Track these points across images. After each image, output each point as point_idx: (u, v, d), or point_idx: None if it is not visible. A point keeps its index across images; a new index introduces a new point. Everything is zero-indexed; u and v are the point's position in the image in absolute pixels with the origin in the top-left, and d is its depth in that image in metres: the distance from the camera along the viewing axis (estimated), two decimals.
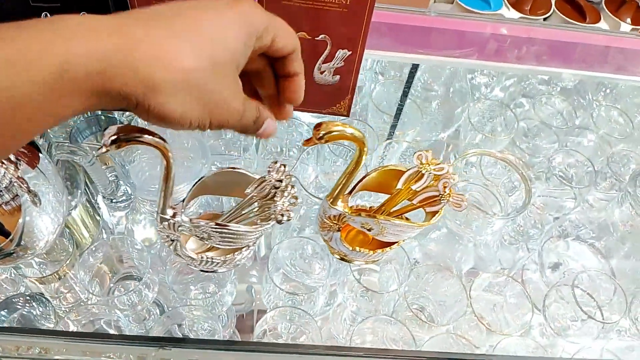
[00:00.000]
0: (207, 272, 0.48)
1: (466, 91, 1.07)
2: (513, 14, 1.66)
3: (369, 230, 0.42)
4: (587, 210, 0.95)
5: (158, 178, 0.74)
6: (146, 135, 0.35)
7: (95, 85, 0.28)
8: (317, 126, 0.34)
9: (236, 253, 0.46)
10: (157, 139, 0.36)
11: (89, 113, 0.80)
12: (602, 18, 1.63)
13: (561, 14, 1.63)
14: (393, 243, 0.46)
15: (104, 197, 0.86)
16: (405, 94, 0.81)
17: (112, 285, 0.75)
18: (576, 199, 0.90)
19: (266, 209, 0.42)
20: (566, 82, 1.15)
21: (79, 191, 0.83)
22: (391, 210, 0.44)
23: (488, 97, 1.08)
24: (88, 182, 0.83)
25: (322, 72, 0.51)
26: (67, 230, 0.73)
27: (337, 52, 0.49)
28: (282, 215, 0.40)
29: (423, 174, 0.44)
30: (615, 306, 0.80)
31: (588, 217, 0.95)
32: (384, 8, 0.79)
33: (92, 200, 0.85)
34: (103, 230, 0.84)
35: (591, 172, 0.88)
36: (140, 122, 0.37)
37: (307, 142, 0.34)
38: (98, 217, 0.85)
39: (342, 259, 0.48)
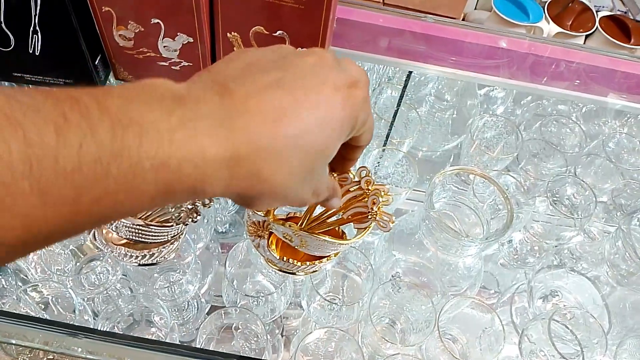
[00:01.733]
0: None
1: (477, 105, 1.03)
2: (552, 27, 1.58)
3: (290, 241, 0.40)
4: (587, 241, 0.90)
5: None
6: None
7: (188, 189, 0.26)
8: None
9: (161, 247, 0.45)
10: None
11: None
12: None
13: (604, 33, 1.55)
14: (322, 257, 0.43)
15: None
16: (400, 100, 0.78)
17: (82, 265, 0.75)
18: (576, 229, 0.85)
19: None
20: (588, 106, 1.09)
21: None
22: (328, 222, 0.42)
23: (496, 113, 1.03)
24: None
25: None
26: None
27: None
28: (189, 217, 0.39)
29: (357, 187, 0.41)
30: (601, 347, 0.75)
31: (587, 248, 0.89)
32: (396, 13, 0.77)
33: None
34: None
35: (594, 202, 0.83)
36: None
37: None
38: None
39: (280, 270, 0.46)
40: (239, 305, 0.73)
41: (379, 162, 0.91)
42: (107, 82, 0.56)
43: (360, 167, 0.40)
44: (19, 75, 0.54)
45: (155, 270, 0.73)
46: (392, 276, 0.82)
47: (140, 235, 0.42)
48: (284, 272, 0.46)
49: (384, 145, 0.90)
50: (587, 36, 1.60)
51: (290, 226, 0.38)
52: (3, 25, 0.48)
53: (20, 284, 0.73)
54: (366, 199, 0.42)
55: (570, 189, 0.90)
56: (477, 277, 0.79)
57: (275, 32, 0.46)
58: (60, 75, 0.54)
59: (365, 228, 0.41)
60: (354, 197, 0.43)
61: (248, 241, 0.73)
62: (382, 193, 0.41)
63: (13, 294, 0.66)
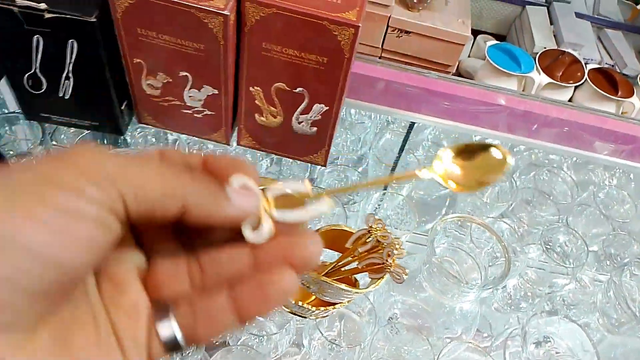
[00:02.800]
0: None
1: None
2: (543, 78, 1.65)
3: (308, 287, 0.42)
4: (579, 289, 0.92)
5: None
6: None
7: None
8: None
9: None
10: None
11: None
12: (635, 93, 1.60)
13: (593, 85, 1.62)
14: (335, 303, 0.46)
15: None
16: (402, 148, 0.81)
17: None
18: (569, 277, 0.88)
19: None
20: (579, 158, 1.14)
21: None
22: (342, 270, 0.44)
23: None
24: None
25: (300, 123, 0.52)
26: None
27: (314, 106, 0.50)
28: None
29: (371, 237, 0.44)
30: None
31: (580, 296, 0.92)
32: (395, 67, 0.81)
33: None
34: None
35: (585, 251, 0.86)
36: None
37: None
38: None
39: (291, 312, 0.48)
40: (239, 343, 0.74)
41: (379, 205, 0.94)
42: (131, 124, 0.59)
43: (376, 219, 0.42)
44: (47, 115, 0.57)
45: None
46: (390, 318, 0.84)
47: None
48: (295, 315, 0.48)
49: (385, 189, 0.93)
50: (576, 87, 1.66)
51: (309, 274, 0.41)
52: (38, 71, 0.51)
53: None
54: (381, 251, 0.44)
55: (563, 237, 0.93)
56: (473, 321, 0.81)
57: (296, 89, 0.50)
58: (86, 117, 0.56)
59: (379, 278, 0.43)
60: (370, 248, 0.46)
61: None
62: (397, 246, 0.43)
63: None
